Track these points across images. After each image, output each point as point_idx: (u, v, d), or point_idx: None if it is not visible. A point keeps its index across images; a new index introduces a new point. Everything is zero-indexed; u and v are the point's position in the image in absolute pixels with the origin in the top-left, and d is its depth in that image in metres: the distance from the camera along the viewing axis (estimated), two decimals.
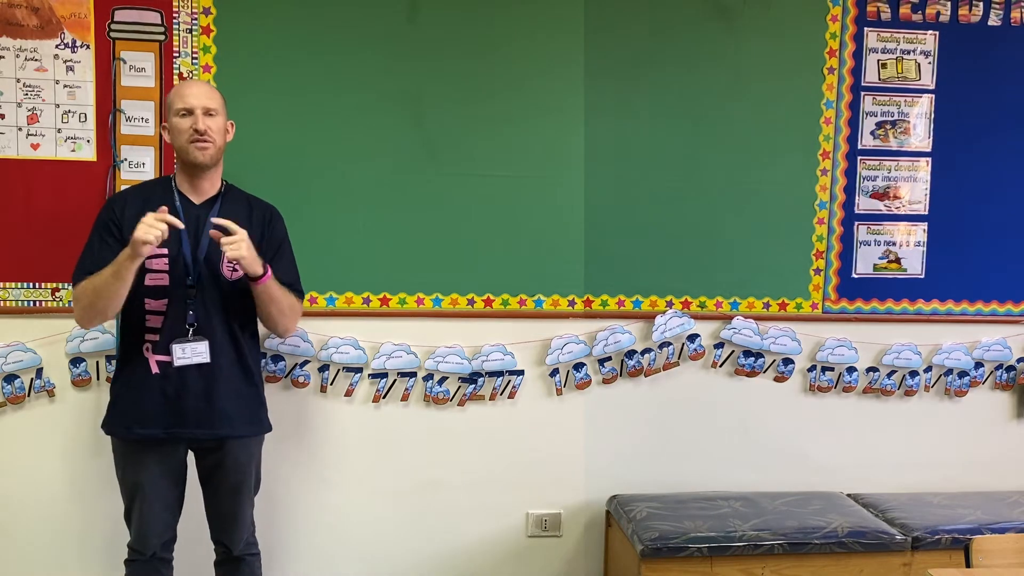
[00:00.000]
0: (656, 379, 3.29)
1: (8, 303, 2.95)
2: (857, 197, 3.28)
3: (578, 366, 3.23)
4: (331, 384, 3.12)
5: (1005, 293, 3.39)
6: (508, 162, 3.12)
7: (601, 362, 3.24)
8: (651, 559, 2.85)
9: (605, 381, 3.26)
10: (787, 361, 3.33)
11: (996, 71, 3.29)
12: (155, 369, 2.50)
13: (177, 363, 2.48)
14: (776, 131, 3.22)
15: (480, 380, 3.18)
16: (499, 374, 3.19)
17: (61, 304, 2.94)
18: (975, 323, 3.39)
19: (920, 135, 3.30)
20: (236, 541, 2.68)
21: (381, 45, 3.04)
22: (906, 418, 3.40)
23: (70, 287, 2.70)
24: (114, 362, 2.80)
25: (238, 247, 2.40)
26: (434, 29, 3.05)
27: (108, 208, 2.56)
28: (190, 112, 2.49)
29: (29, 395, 2.99)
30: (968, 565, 2.20)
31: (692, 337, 3.27)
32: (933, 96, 3.29)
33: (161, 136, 2.92)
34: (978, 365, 3.41)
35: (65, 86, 2.92)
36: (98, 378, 3.00)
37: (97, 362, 3.00)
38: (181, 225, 2.42)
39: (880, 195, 3.30)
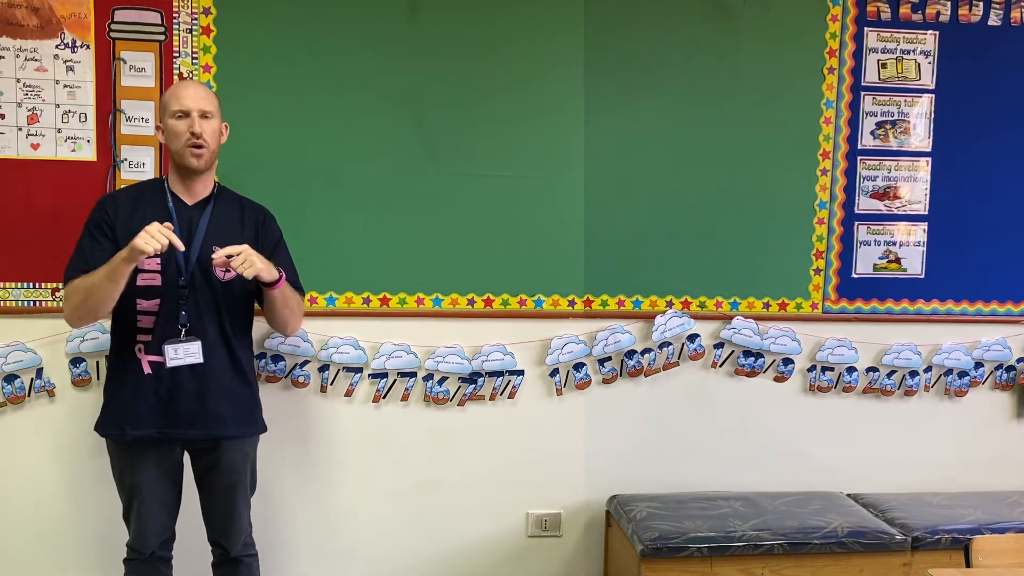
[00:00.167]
0: (656, 379, 3.29)
1: (8, 303, 2.95)
2: (857, 197, 3.29)
3: (578, 366, 3.23)
4: (331, 384, 3.12)
5: (1005, 293, 3.39)
6: (508, 162, 3.12)
7: (601, 362, 3.24)
8: (651, 559, 2.85)
9: (605, 381, 3.26)
10: (787, 361, 3.33)
11: (996, 71, 3.29)
12: (147, 370, 2.49)
13: (170, 364, 2.47)
14: (776, 131, 3.22)
15: (480, 380, 3.18)
16: (499, 374, 3.19)
17: (61, 304, 2.91)
18: (975, 323, 3.39)
19: (920, 135, 3.30)
20: (233, 542, 2.68)
21: (381, 45, 3.04)
22: (906, 418, 3.41)
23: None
24: None
25: (251, 263, 2.40)
26: (434, 29, 3.05)
27: (100, 208, 2.55)
28: (186, 114, 2.49)
29: (29, 395, 2.99)
30: (968, 565, 2.20)
31: (692, 337, 3.27)
32: (933, 96, 3.29)
33: None
34: (978, 365, 3.41)
35: (65, 86, 2.92)
36: (98, 378, 3.00)
37: (97, 362, 3.00)
38: (182, 247, 2.41)
39: (880, 195, 3.30)
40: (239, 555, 2.70)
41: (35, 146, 2.92)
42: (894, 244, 3.32)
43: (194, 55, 2.96)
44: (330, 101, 3.02)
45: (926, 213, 3.32)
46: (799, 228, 3.27)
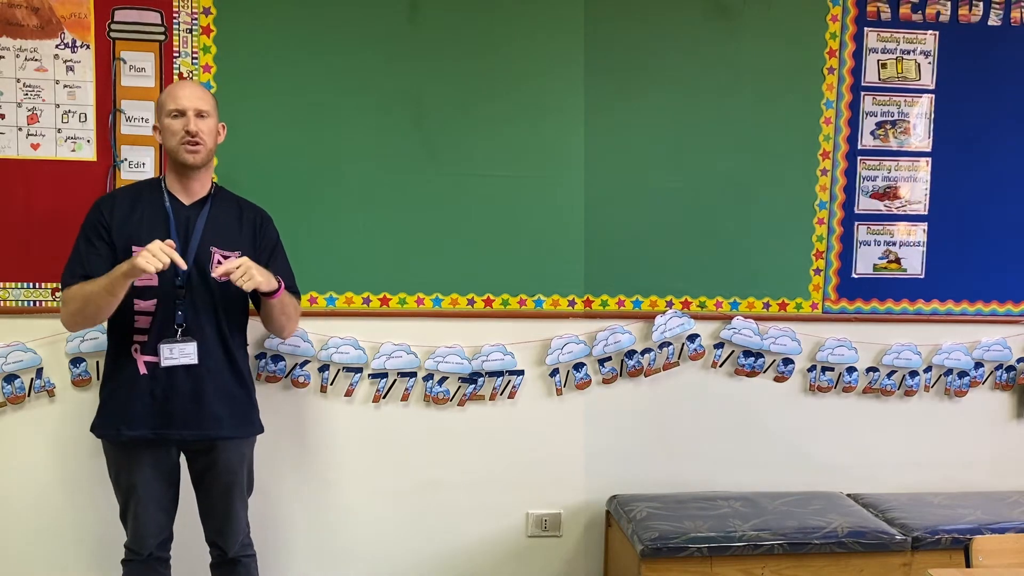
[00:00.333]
0: (656, 379, 3.29)
1: (8, 303, 2.95)
2: (857, 197, 3.28)
3: (578, 366, 3.23)
4: (331, 384, 3.12)
5: (1005, 293, 3.39)
6: (508, 162, 3.12)
7: (601, 362, 3.24)
8: (651, 559, 2.85)
9: (605, 381, 3.26)
10: (787, 361, 3.33)
11: (996, 71, 3.29)
12: (143, 370, 2.49)
13: (164, 364, 2.47)
14: (776, 131, 3.22)
15: (480, 380, 3.18)
16: (499, 374, 3.19)
17: (60, 305, 2.94)
18: (975, 323, 3.39)
19: (920, 135, 3.30)
20: (231, 543, 2.68)
21: (381, 45, 3.04)
22: (906, 418, 3.40)
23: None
24: None
25: (250, 276, 2.40)
26: (434, 29, 3.05)
27: (96, 210, 2.54)
28: (182, 113, 2.49)
29: (29, 395, 2.99)
30: (968, 565, 2.21)
31: (692, 337, 3.27)
32: (933, 96, 3.29)
33: None
34: (978, 365, 3.41)
35: (65, 86, 2.92)
36: (98, 378, 2.99)
37: (97, 362, 2.99)
38: (184, 265, 2.41)
39: (880, 195, 3.30)
40: (237, 555, 2.70)
41: (35, 146, 2.92)
42: (894, 244, 3.32)
43: (194, 55, 2.96)
44: (330, 101, 3.02)
45: (926, 213, 3.32)
46: (799, 228, 3.27)
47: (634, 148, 3.18)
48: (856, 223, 3.29)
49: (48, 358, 2.98)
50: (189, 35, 2.95)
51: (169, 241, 2.38)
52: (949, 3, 3.25)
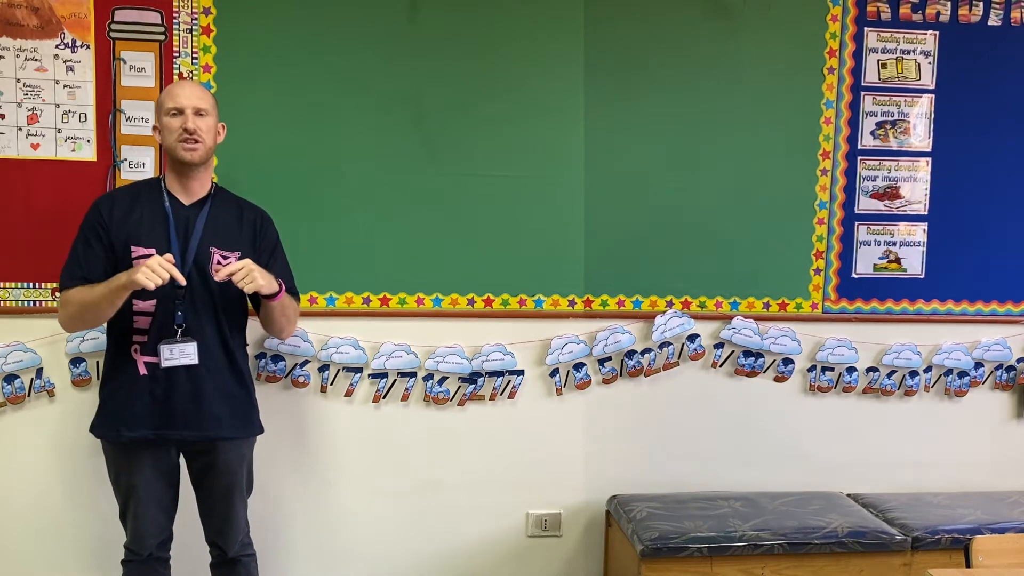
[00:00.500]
0: (656, 379, 3.28)
1: (8, 303, 2.95)
2: (857, 197, 3.28)
3: (578, 366, 3.23)
4: (331, 384, 3.12)
5: (1005, 293, 3.39)
6: (508, 162, 3.12)
7: (601, 362, 3.24)
8: (651, 559, 2.85)
9: (605, 381, 3.26)
10: (787, 361, 3.33)
11: (996, 71, 3.29)
12: (143, 371, 2.49)
13: (164, 364, 2.47)
14: (776, 131, 3.22)
15: (480, 380, 3.18)
16: (499, 374, 3.19)
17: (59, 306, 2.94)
18: (975, 323, 3.39)
19: (920, 135, 3.30)
20: (230, 543, 2.68)
21: (381, 45, 3.04)
22: (906, 418, 3.40)
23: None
24: None
25: (252, 279, 2.41)
26: (434, 29, 3.05)
27: (94, 210, 2.54)
28: (180, 111, 2.49)
29: (29, 395, 2.99)
30: (968, 565, 2.21)
31: (692, 337, 3.27)
32: (933, 96, 3.29)
33: None
34: (978, 365, 3.41)
35: (65, 86, 2.92)
36: (98, 378, 2.99)
37: (97, 362, 2.99)
38: (183, 281, 2.40)
39: (880, 195, 3.30)
40: (237, 555, 2.70)
41: (35, 146, 2.92)
42: (894, 244, 3.32)
43: (194, 55, 2.96)
44: (330, 101, 3.02)
45: (926, 213, 3.32)
46: (799, 228, 3.27)
47: (634, 148, 3.18)
48: (856, 223, 3.29)
49: (48, 358, 2.98)
50: (189, 35, 2.95)
51: (168, 256, 2.38)
52: (949, 3, 3.25)
